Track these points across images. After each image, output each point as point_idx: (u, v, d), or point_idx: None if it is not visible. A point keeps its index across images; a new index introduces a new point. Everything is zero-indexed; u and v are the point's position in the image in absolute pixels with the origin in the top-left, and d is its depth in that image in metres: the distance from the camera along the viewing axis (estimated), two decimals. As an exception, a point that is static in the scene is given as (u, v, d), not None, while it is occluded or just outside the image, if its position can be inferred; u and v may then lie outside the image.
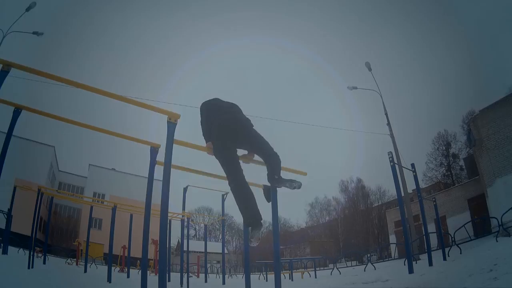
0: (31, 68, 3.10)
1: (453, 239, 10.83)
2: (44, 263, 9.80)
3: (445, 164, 38.10)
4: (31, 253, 7.68)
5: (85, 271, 9.61)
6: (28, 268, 7.09)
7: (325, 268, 19.36)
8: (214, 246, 40.49)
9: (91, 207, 10.94)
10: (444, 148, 38.36)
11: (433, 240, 11.40)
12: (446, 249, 9.42)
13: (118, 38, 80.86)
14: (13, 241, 13.47)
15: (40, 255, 12.26)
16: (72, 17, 68.05)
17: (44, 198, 10.41)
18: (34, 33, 17.44)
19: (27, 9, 16.22)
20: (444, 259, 8.45)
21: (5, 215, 11.28)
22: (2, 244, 10.28)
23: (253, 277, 12.71)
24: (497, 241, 9.48)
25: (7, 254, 8.38)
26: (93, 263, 15.97)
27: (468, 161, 27.42)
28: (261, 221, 3.23)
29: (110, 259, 8.29)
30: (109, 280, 7.47)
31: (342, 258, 23.05)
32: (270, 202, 3.67)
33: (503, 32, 52.05)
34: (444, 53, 67.96)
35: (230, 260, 44.04)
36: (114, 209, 8.58)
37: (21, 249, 14.41)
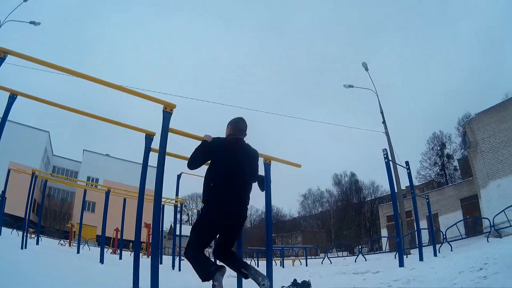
0: (27, 55, 3.11)
1: (444, 236, 10.95)
2: (37, 243, 9.80)
3: (439, 163, 38.47)
4: (25, 233, 7.71)
5: (78, 251, 9.72)
6: (22, 248, 7.11)
7: (316, 257, 19.47)
8: (206, 231, 40.78)
9: (85, 191, 10.97)
10: (438, 148, 38.81)
11: (425, 237, 11.49)
12: (437, 246, 9.47)
13: (114, 28, 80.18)
14: (6, 222, 13.49)
15: (33, 236, 12.28)
16: (70, 9, 67.52)
17: (38, 181, 10.42)
18: (31, 22, 17.30)
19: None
20: (435, 255, 8.47)
21: (-2, 197, 11.26)
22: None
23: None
24: (488, 241, 9.60)
25: (0, 234, 8.40)
26: (86, 244, 15.99)
27: (462, 162, 27.67)
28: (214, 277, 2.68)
29: (103, 241, 8.35)
30: (101, 261, 7.56)
31: (334, 248, 23.22)
32: (264, 192, 3.67)
33: (502, 39, 52.29)
34: (441, 57, 68.24)
35: (222, 245, 43.83)
36: (107, 193, 8.67)
37: (15, 230, 14.46)
